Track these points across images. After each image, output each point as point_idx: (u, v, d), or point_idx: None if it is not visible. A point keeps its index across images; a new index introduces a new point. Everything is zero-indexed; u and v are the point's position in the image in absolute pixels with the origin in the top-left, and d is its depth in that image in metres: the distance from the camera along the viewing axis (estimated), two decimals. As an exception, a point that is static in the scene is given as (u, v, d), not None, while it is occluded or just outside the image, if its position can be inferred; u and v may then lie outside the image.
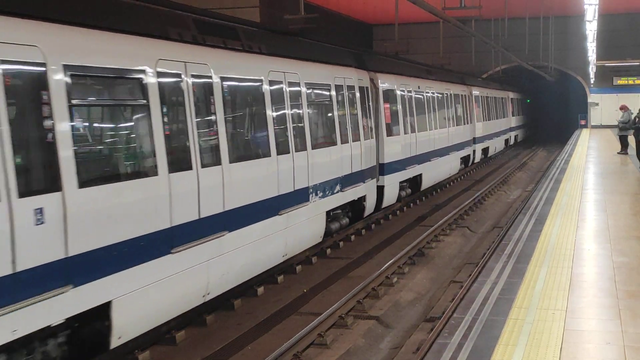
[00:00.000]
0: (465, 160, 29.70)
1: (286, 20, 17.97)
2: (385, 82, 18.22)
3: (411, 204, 21.44)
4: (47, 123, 7.08)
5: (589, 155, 27.18)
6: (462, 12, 26.12)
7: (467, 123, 29.68)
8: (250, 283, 11.91)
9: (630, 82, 40.22)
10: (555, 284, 8.82)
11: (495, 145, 37.72)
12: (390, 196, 18.27)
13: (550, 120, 59.75)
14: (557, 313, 7.67)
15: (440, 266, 14.42)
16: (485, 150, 34.21)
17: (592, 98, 48.86)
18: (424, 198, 22.80)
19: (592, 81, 47.34)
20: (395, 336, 10.35)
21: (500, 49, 34.26)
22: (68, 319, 7.26)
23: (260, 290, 11.99)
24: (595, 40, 32.64)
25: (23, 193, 6.67)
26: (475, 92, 32.13)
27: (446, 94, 25.90)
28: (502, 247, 11.29)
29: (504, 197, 24.61)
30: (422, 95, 22.23)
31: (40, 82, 7.04)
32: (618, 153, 26.99)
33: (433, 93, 23.71)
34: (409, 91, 20.57)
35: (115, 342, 7.98)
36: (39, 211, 6.84)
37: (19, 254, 6.60)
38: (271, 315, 10.88)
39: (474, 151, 31.23)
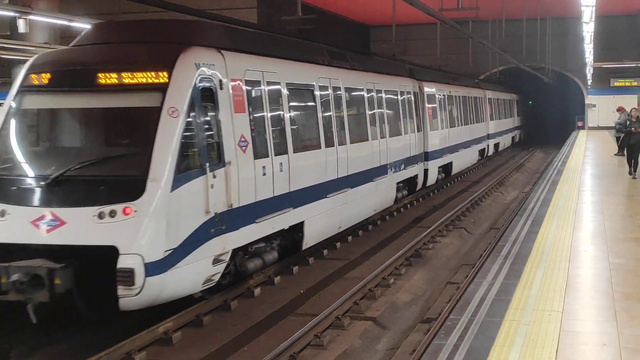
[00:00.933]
0: (481, 152, 34.37)
1: (284, 21, 17.92)
2: (428, 88, 23.38)
3: (408, 205, 21.44)
4: (281, 116, 12.44)
5: (586, 157, 27.23)
6: (459, 13, 26.10)
7: (483, 121, 34.52)
8: (246, 284, 11.96)
9: (628, 83, 40.21)
10: (551, 285, 8.83)
11: (504, 142, 42.81)
12: (432, 177, 23.27)
13: (548, 121, 59.88)
14: (553, 314, 7.67)
15: (437, 267, 14.42)
16: (496, 145, 39.16)
17: (589, 99, 48.87)
18: (420, 199, 22.82)
19: (589, 83, 47.32)
20: (391, 337, 10.34)
21: (498, 50, 34.27)
22: (290, 226, 12.66)
23: (257, 291, 11.99)
24: (592, 42, 32.62)
25: (276, 154, 11.97)
26: (489, 95, 37.10)
27: (467, 96, 30.80)
28: (498, 248, 11.31)
29: (501, 198, 24.61)
30: (452, 98, 27.28)
31: (278, 92, 12.45)
32: (615, 154, 27.02)
33: (458, 96, 28.75)
34: (443, 95, 25.63)
35: (304, 246, 13.39)
36: (281, 164, 12.12)
37: (275, 187, 11.87)
38: (268, 316, 10.88)
39: (488, 145, 36.11)
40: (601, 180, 19.95)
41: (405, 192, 20.74)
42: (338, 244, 15.77)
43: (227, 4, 30.64)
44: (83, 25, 16.07)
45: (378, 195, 17.50)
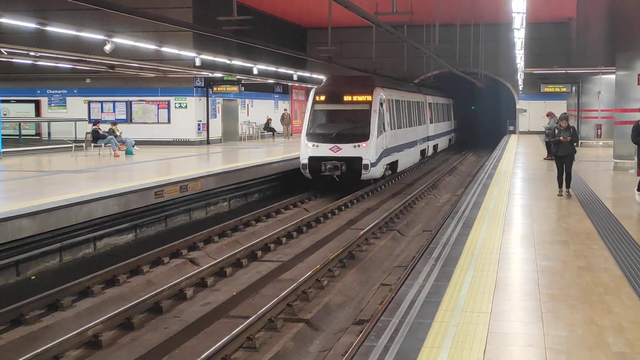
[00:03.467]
0: (449, 141, 49.55)
1: (219, 22, 17.77)
2: (428, 99, 38.85)
3: (343, 207, 21.57)
4: (395, 113, 28.29)
5: (516, 161, 27.75)
6: (394, 17, 26.30)
7: (449, 120, 49.68)
8: (179, 286, 11.85)
9: (557, 89, 41.00)
10: (480, 287, 8.96)
11: (458, 136, 55.35)
12: (430, 151, 38.84)
13: (482, 125, 61.00)
14: (481, 316, 7.79)
15: (370, 269, 14.51)
16: (457, 137, 54.18)
17: (520, 104, 49.87)
18: (355, 202, 22.99)
19: (520, 88, 48.29)
20: (324, 339, 10.37)
21: (432, 54, 34.69)
22: (395, 161, 28.20)
23: (189, 292, 11.89)
24: (523, 48, 33.25)
25: (393, 128, 27.61)
26: (452, 102, 51.75)
27: (442, 103, 45.81)
28: (430, 250, 11.39)
29: (434, 201, 24.92)
30: (436, 104, 42.49)
31: (393, 103, 27.88)
32: (544, 159, 27.62)
33: (439, 103, 43.89)
34: (434, 103, 41.25)
35: (398, 170, 29.44)
36: (395, 133, 28.19)
37: (394, 142, 27.66)
38: (200, 319, 10.81)
39: (452, 136, 51.46)
40: (530, 183, 20.35)
41: (421, 157, 35.61)
42: (272, 246, 15.75)
43: (161, 3, 30.35)
44: (13, 22, 15.64)
45: (414, 155, 33.24)
